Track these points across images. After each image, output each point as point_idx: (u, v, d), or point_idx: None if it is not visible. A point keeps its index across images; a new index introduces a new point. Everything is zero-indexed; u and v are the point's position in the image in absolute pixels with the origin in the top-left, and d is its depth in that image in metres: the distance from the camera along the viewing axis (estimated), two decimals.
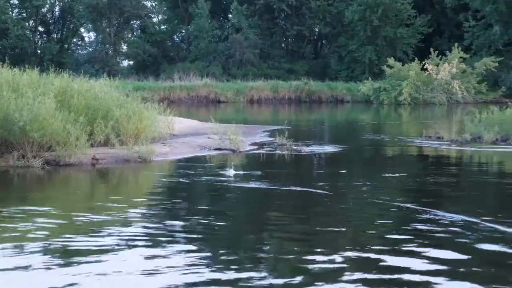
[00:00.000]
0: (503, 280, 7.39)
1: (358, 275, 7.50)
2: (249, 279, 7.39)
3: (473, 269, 7.81)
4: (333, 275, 7.55)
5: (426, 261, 8.05)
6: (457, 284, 7.25)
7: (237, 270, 7.71)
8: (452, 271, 7.67)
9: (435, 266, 7.83)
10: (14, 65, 21.08)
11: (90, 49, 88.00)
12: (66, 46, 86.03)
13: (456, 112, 48.28)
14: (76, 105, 18.57)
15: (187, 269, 7.74)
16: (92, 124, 18.42)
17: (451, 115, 45.27)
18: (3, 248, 8.56)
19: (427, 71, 60.56)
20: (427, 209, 11.41)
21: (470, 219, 10.46)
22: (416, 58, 62.63)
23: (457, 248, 8.66)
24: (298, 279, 7.41)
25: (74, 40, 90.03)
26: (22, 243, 8.84)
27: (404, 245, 8.88)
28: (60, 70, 22.32)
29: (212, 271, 7.70)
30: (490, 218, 10.48)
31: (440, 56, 61.49)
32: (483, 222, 10.22)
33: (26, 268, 7.70)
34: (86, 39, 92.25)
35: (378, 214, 11.25)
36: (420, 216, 10.89)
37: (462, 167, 18.35)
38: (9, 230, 9.67)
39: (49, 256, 8.25)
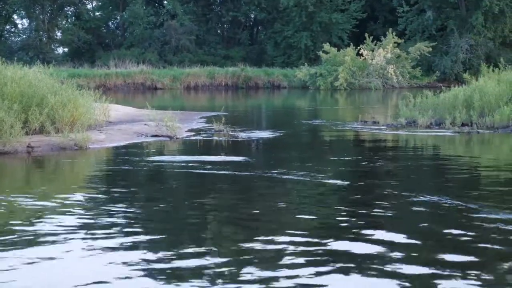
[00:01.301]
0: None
1: (300, 259, 7.55)
2: (191, 264, 7.39)
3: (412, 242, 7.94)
4: (276, 258, 7.59)
5: (368, 243, 8.14)
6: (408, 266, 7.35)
7: (178, 256, 7.71)
8: (397, 251, 7.77)
9: (379, 248, 7.93)
10: None
11: (24, 36, 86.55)
12: None
13: (391, 97, 48.84)
14: (9, 92, 18.29)
15: (126, 255, 7.70)
16: (27, 111, 18.19)
17: (386, 99, 45.78)
18: None
19: (362, 56, 61.12)
20: (365, 188, 11.56)
21: (406, 198, 10.63)
22: (351, 43, 63.16)
23: (400, 228, 8.78)
24: (241, 261, 7.43)
25: (7, 27, 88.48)
26: None
27: (347, 228, 8.98)
28: None
29: (152, 257, 7.68)
30: (425, 195, 10.65)
31: (375, 41, 62.09)
32: (413, 198, 10.39)
33: None
34: (20, 26, 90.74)
35: (318, 197, 11.35)
36: (358, 197, 11.02)
37: (398, 150, 18.56)
38: None
39: None
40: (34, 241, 8.34)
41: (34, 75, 20.38)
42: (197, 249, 7.95)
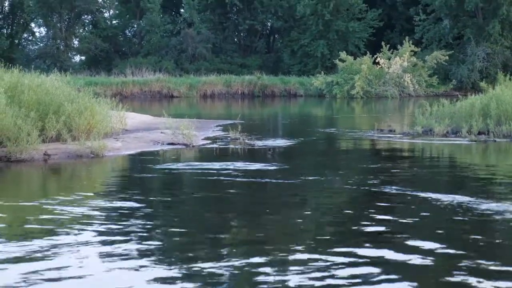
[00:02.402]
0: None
1: (317, 265, 7.55)
2: (205, 271, 7.40)
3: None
4: (294, 263, 7.59)
5: (389, 249, 8.13)
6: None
7: (194, 262, 7.72)
8: (419, 255, 7.76)
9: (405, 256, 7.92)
10: None
11: (41, 45, 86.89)
12: (16, 41, 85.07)
13: (407, 105, 48.71)
14: (27, 100, 18.40)
15: (142, 262, 7.72)
16: (44, 119, 18.27)
17: (402, 108, 45.66)
18: None
19: (379, 64, 60.99)
20: (382, 195, 11.54)
21: (424, 203, 10.60)
22: (368, 52, 63.06)
23: (420, 233, 8.77)
24: (256, 266, 7.44)
25: (25, 35, 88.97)
26: None
27: (365, 233, 8.97)
28: (11, 65, 22.06)
29: (166, 265, 7.69)
30: (442, 201, 10.63)
31: (392, 49, 61.96)
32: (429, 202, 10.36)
33: None
34: (37, 34, 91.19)
35: (334, 204, 11.34)
36: (375, 203, 11.00)
37: (414, 159, 18.54)
38: None
39: (1, 252, 8.15)
40: (52, 248, 8.36)
41: (51, 83, 20.47)
42: (213, 257, 7.97)
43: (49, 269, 7.48)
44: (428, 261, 7.76)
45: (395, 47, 62.57)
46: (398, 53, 61.29)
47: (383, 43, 62.61)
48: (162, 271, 7.40)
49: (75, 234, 9.11)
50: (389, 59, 61.06)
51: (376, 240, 8.69)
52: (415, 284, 6.98)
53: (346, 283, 7.00)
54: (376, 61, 61.14)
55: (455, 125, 23.36)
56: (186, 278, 7.21)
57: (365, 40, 73.96)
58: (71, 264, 7.72)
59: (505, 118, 22.48)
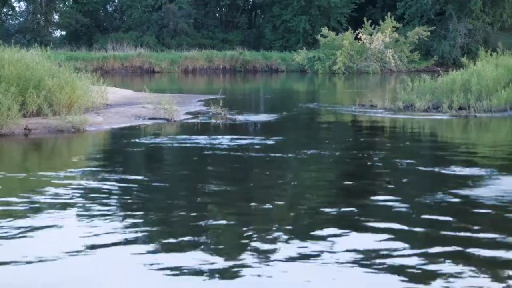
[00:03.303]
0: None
1: (299, 245, 7.59)
2: (188, 246, 7.42)
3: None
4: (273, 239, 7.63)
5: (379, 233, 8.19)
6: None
7: (173, 235, 7.74)
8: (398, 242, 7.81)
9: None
10: None
11: (21, 19, 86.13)
12: None
13: (389, 81, 48.78)
14: (7, 75, 18.29)
15: (123, 237, 7.73)
16: (24, 94, 18.19)
17: (384, 83, 45.72)
18: None
19: (361, 40, 60.96)
20: (362, 167, 11.59)
21: (405, 173, 10.66)
22: (349, 27, 62.97)
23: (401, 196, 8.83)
24: (238, 247, 7.47)
25: (4, 10, 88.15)
26: None
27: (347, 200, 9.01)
28: None
29: (149, 239, 7.71)
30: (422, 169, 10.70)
31: (374, 25, 61.92)
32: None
33: None
34: (17, 9, 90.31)
35: (315, 178, 11.39)
36: (361, 175, 11.06)
37: (395, 133, 18.62)
38: None
39: None
40: (32, 222, 8.35)
41: (32, 57, 20.38)
42: (197, 232, 7.99)
43: (29, 245, 7.47)
44: (415, 230, 7.82)
45: (377, 23, 62.53)
46: (380, 29, 61.27)
47: (365, 19, 62.53)
48: (145, 246, 7.41)
49: (56, 209, 9.10)
50: (371, 35, 61.04)
51: (362, 211, 8.73)
52: (399, 251, 7.03)
53: (334, 252, 7.04)
54: (358, 36, 61.10)
55: (436, 100, 23.45)
56: (169, 252, 7.22)
57: (347, 16, 73.75)
58: (51, 238, 7.72)
59: (486, 93, 22.61)
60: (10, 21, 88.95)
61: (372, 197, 9.74)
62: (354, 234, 7.79)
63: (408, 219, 8.49)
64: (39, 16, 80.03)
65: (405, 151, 14.89)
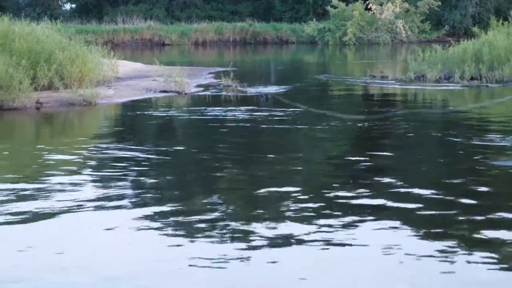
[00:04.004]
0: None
1: (309, 214, 7.60)
2: (199, 219, 7.44)
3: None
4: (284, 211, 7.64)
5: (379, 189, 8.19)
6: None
7: (189, 208, 7.76)
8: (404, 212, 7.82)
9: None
10: None
11: None
12: None
13: (400, 51, 48.57)
14: (17, 48, 18.28)
15: (135, 210, 7.75)
16: (35, 67, 18.18)
17: (395, 54, 45.54)
18: None
19: (371, 11, 60.67)
20: (380, 138, 11.59)
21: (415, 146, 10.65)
22: None
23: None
24: (249, 216, 7.49)
25: None
26: None
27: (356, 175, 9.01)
28: (1, 14, 21.84)
29: (160, 213, 7.73)
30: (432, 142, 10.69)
31: None
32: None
33: None
34: None
35: (329, 147, 11.39)
36: (373, 144, 11.05)
37: (407, 104, 18.58)
38: None
39: None
40: (44, 193, 8.38)
41: (42, 31, 20.33)
42: (208, 205, 8.01)
43: (41, 214, 7.50)
44: (422, 202, 7.83)
45: None
46: None
47: None
48: (156, 219, 7.42)
49: (68, 180, 9.12)
50: (381, 5, 60.69)
51: (373, 182, 8.74)
52: (406, 227, 7.04)
53: (342, 225, 7.06)
54: (368, 7, 60.79)
55: (447, 70, 23.33)
56: (180, 225, 7.24)
57: None
58: (62, 210, 7.73)
59: (498, 63, 22.46)
60: None
61: (386, 172, 9.75)
62: (373, 207, 7.79)
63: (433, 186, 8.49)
64: None
65: (417, 122, 14.85)
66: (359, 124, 14.30)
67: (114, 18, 67.11)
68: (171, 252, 6.32)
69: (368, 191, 8.36)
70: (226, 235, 6.75)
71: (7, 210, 7.68)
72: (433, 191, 8.29)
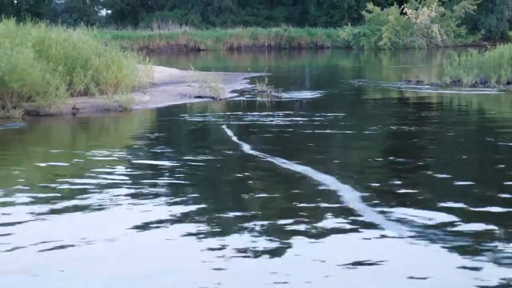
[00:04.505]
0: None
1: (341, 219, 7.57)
2: (237, 226, 7.43)
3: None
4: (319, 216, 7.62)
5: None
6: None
7: (222, 212, 7.77)
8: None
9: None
10: None
11: None
12: None
13: (435, 56, 48.32)
14: (54, 54, 18.46)
15: (169, 215, 7.78)
16: (71, 73, 18.35)
17: (430, 59, 45.30)
18: None
19: (406, 15, 60.46)
20: (409, 145, 11.52)
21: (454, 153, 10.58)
22: (395, 2, 62.47)
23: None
24: (284, 220, 7.47)
25: None
26: (6, 194, 8.81)
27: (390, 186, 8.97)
28: (38, 20, 22.06)
29: (195, 220, 7.74)
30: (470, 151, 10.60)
31: (419, 0, 61.32)
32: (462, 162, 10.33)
33: (12, 223, 7.67)
34: None
35: (365, 154, 11.34)
36: (412, 147, 10.99)
37: (443, 108, 18.47)
38: None
39: (35, 204, 8.22)
40: (80, 202, 8.43)
41: (78, 37, 20.51)
42: (240, 205, 8.01)
43: (77, 222, 7.55)
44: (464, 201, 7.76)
45: None
46: (426, 3, 60.66)
47: None
48: (190, 226, 7.42)
49: (105, 186, 9.17)
50: (417, 10, 60.48)
51: (419, 187, 8.69)
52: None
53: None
54: (404, 11, 60.60)
55: (483, 75, 23.18)
56: (216, 233, 7.24)
57: None
58: (97, 215, 7.77)
59: None
60: (57, 1, 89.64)
61: (427, 173, 9.68)
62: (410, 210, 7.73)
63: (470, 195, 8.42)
64: None
65: (455, 126, 14.74)
66: (400, 128, 14.24)
67: (150, 24, 67.58)
68: (202, 254, 6.32)
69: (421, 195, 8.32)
70: (260, 241, 6.74)
71: (42, 213, 7.74)
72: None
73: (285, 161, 10.71)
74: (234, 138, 13.16)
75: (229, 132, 13.90)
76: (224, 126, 14.77)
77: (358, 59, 49.13)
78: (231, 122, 15.38)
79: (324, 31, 66.57)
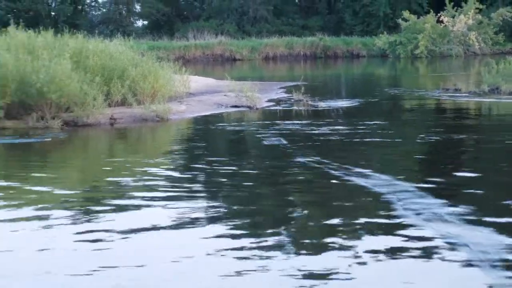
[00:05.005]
0: None
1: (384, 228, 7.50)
2: (271, 234, 7.39)
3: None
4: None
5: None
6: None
7: (261, 225, 7.73)
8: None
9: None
10: (29, 28, 20.99)
11: (104, 10, 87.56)
12: (80, 7, 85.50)
13: (473, 63, 47.95)
14: (92, 65, 18.59)
15: (207, 223, 7.75)
16: (109, 84, 18.46)
17: (468, 67, 44.95)
18: (26, 210, 8.55)
19: (443, 23, 60.07)
20: (449, 153, 11.42)
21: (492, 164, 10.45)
22: (431, 10, 62.07)
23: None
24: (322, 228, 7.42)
25: (88, 1, 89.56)
26: (44, 205, 8.85)
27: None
28: (75, 31, 22.23)
29: (232, 227, 7.71)
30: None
31: (456, 7, 60.89)
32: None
33: (49, 230, 7.69)
34: (100, 0, 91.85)
35: (405, 162, 11.25)
36: (456, 155, 10.89)
37: (481, 116, 18.31)
38: (30, 192, 9.67)
39: (72, 216, 8.24)
40: (118, 209, 8.44)
41: (115, 48, 20.64)
42: (281, 220, 7.98)
43: (117, 228, 7.55)
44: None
45: (459, 4, 61.44)
46: (463, 11, 60.23)
47: (447, 1, 61.49)
48: (227, 233, 7.40)
49: (142, 195, 9.18)
50: (453, 17, 60.06)
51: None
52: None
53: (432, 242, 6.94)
54: (440, 19, 60.20)
55: None
56: (254, 242, 7.20)
57: None
58: (137, 223, 7.77)
59: None
60: (93, 12, 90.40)
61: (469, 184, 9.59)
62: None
63: None
64: (121, 6, 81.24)
65: (495, 133, 14.59)
66: (447, 136, 14.13)
67: (185, 34, 67.83)
68: (245, 266, 6.28)
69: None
70: (303, 250, 6.70)
71: (81, 223, 7.76)
72: None
73: (340, 169, 10.64)
74: (281, 146, 13.11)
75: (275, 141, 13.85)
76: (268, 135, 14.73)
77: (394, 67, 48.92)
78: (273, 131, 15.31)
79: (359, 40, 66.38)
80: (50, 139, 14.80)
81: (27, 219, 8.12)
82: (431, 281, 5.88)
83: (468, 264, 6.19)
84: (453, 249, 6.58)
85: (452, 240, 6.82)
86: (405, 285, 5.81)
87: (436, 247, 6.66)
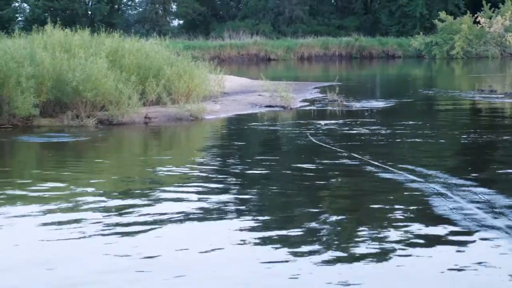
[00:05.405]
0: None
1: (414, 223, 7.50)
2: (302, 233, 7.41)
3: None
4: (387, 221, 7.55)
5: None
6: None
7: (291, 223, 7.76)
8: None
9: None
10: (66, 27, 21.18)
11: (140, 9, 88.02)
12: (116, 6, 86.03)
13: (509, 65, 47.58)
14: (127, 64, 18.74)
15: (238, 222, 7.79)
16: (144, 83, 18.58)
17: (504, 68, 44.62)
18: (58, 208, 8.62)
19: (480, 24, 59.63)
20: (482, 155, 11.35)
21: None
22: (468, 11, 61.64)
23: None
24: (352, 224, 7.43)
25: (124, 0, 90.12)
26: (77, 202, 8.93)
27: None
28: (111, 30, 22.40)
29: (263, 226, 7.74)
30: None
31: (493, 8, 60.41)
32: None
33: (81, 230, 7.76)
34: None
35: (440, 162, 11.22)
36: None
37: None
38: (63, 189, 9.77)
39: (105, 216, 8.29)
40: (151, 205, 8.49)
41: (151, 47, 20.77)
42: (311, 218, 7.99)
43: (149, 224, 7.61)
44: None
45: (497, 5, 60.96)
46: (500, 12, 59.75)
47: (484, 2, 61.04)
48: (258, 231, 7.43)
49: (174, 192, 9.25)
50: (490, 18, 59.60)
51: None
52: None
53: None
54: (477, 20, 59.77)
55: None
56: (283, 238, 7.23)
57: None
58: (168, 220, 7.83)
59: None
60: (130, 12, 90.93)
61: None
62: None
63: None
64: (157, 6, 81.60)
65: None
66: (487, 137, 14.06)
67: (221, 34, 67.98)
68: (274, 266, 6.31)
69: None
70: (330, 250, 6.72)
71: (115, 219, 7.84)
72: None
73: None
74: (324, 146, 13.12)
75: (315, 140, 13.85)
76: (308, 134, 14.73)
77: (430, 68, 48.67)
78: (311, 131, 15.30)
79: (395, 40, 66.11)
80: (85, 138, 14.93)
81: (61, 215, 8.20)
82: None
83: None
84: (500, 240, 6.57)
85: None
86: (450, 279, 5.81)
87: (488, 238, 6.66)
